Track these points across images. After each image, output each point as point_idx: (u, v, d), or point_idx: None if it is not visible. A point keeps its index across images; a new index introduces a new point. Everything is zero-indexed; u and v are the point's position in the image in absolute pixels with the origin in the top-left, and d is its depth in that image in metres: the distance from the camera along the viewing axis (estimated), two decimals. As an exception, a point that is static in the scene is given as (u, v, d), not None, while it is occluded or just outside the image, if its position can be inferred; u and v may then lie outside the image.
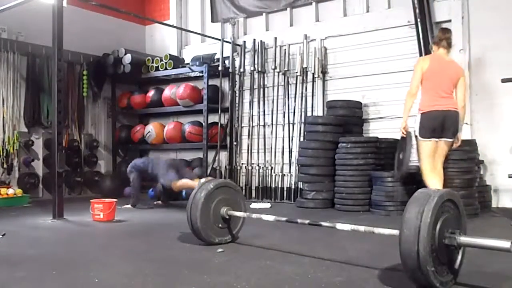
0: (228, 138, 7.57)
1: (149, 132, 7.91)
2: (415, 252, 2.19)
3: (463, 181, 4.99)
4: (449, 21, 6.04)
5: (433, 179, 4.32)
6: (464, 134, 5.81)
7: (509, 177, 5.03)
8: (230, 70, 7.56)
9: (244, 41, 7.54)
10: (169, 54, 7.93)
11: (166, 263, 3.04)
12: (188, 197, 3.66)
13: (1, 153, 6.77)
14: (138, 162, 6.22)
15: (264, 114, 7.26)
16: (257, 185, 7.12)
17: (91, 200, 5.03)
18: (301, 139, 6.72)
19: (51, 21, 5.10)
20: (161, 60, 7.83)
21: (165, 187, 6.06)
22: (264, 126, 7.25)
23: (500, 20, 5.73)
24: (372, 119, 6.55)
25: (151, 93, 8.04)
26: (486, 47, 5.80)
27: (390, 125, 6.37)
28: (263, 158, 7.18)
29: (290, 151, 6.91)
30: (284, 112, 7.04)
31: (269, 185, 7.02)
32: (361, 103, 6.49)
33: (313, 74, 6.84)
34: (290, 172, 6.86)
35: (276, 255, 3.22)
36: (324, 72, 6.88)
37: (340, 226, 2.93)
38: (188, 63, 7.74)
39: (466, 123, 5.84)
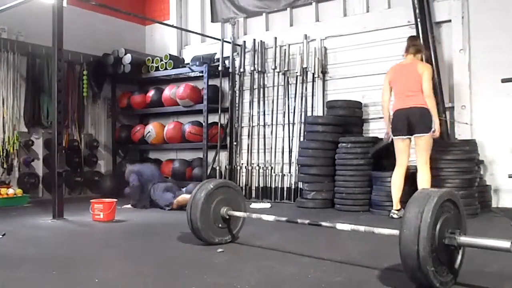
0: (228, 138, 7.57)
1: (149, 132, 7.91)
2: (415, 252, 2.19)
3: (463, 181, 4.99)
4: (449, 21, 6.05)
5: (395, 174, 4.84)
6: (464, 134, 5.83)
7: (509, 177, 5.03)
8: (230, 70, 7.56)
9: (244, 41, 7.54)
10: (169, 54, 7.92)
11: (166, 263, 3.04)
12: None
13: (1, 153, 6.77)
14: (138, 169, 6.24)
15: (264, 114, 7.26)
16: (257, 185, 7.12)
17: (91, 200, 5.03)
18: (301, 139, 6.72)
19: (51, 21, 5.10)
20: (161, 60, 7.83)
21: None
22: (264, 126, 7.25)
23: (500, 21, 5.73)
24: (372, 119, 6.55)
25: (151, 93, 8.03)
26: (486, 47, 5.80)
27: (390, 125, 6.38)
28: (263, 158, 7.18)
29: (290, 151, 6.91)
30: (284, 112, 7.04)
31: (269, 185, 7.02)
32: (361, 103, 6.49)
33: (313, 74, 6.84)
34: (290, 172, 6.86)
35: (276, 255, 3.22)
36: (324, 72, 6.88)
37: (340, 226, 2.93)
38: (188, 63, 7.74)
39: (466, 123, 5.85)
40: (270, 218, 3.41)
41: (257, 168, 7.18)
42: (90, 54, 7.99)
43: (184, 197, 5.73)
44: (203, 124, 7.29)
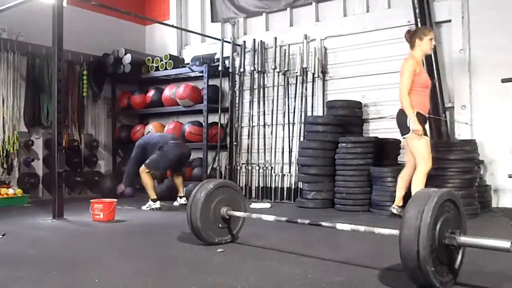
0: (228, 138, 7.57)
1: (149, 132, 7.90)
2: (415, 252, 2.19)
3: (463, 181, 4.99)
4: (449, 21, 6.05)
5: (400, 174, 4.80)
6: (464, 134, 5.83)
7: (509, 177, 5.03)
8: (230, 70, 7.56)
9: (244, 41, 7.54)
10: (169, 54, 7.93)
11: (166, 263, 3.04)
12: None
13: (1, 153, 6.77)
14: (151, 139, 6.20)
15: (264, 114, 7.26)
16: (257, 185, 7.12)
17: (91, 200, 5.03)
18: (301, 139, 6.72)
19: (51, 21, 5.10)
20: (161, 60, 7.83)
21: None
22: (264, 126, 7.25)
23: (500, 20, 5.73)
24: (372, 119, 6.55)
25: (151, 93, 8.03)
26: (486, 47, 5.80)
27: (390, 125, 6.36)
28: (263, 158, 7.18)
29: (290, 151, 6.91)
30: (284, 112, 7.04)
31: (269, 185, 7.02)
32: (361, 103, 6.49)
33: (313, 74, 6.84)
34: (290, 172, 6.86)
35: (276, 255, 3.22)
36: (324, 72, 6.88)
37: (340, 226, 2.93)
38: (188, 63, 7.74)
39: (466, 123, 5.85)
40: (270, 218, 3.41)
41: (257, 168, 7.18)
42: (90, 54, 7.99)
43: (148, 182, 5.85)
44: (203, 124, 7.29)
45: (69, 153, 7.35)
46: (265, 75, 7.34)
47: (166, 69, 7.76)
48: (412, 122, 4.42)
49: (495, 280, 2.58)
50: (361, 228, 2.79)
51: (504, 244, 2.20)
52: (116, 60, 8.00)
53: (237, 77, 7.55)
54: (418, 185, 4.35)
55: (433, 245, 2.23)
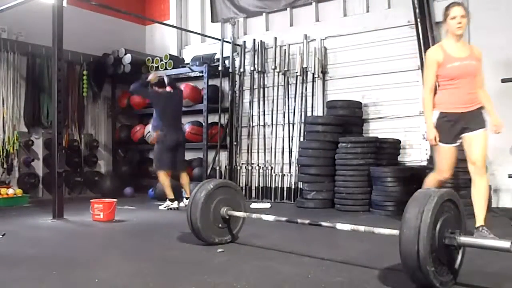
0: (228, 138, 7.57)
1: (149, 132, 7.90)
2: (415, 252, 2.19)
3: (463, 181, 4.98)
4: (449, 21, 6.03)
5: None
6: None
7: (509, 177, 5.03)
8: (230, 70, 7.56)
9: (244, 41, 7.54)
10: (169, 54, 7.93)
11: (166, 263, 3.04)
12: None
13: (1, 153, 6.78)
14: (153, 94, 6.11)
15: (264, 114, 7.26)
16: (257, 185, 7.12)
17: (91, 200, 5.03)
18: (301, 139, 6.72)
19: (51, 21, 5.10)
20: (161, 60, 7.83)
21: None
22: (264, 126, 7.25)
23: (500, 20, 5.73)
24: (372, 119, 6.55)
25: (151, 93, 8.03)
26: (486, 47, 5.77)
27: (390, 125, 6.38)
28: (263, 158, 7.18)
29: (290, 151, 6.91)
30: (284, 112, 7.04)
31: (269, 185, 7.02)
32: (361, 103, 6.49)
33: (313, 74, 6.84)
34: (290, 172, 6.86)
35: (276, 255, 3.22)
36: (324, 72, 6.88)
37: (340, 226, 2.93)
38: (188, 63, 7.74)
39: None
40: (270, 218, 3.41)
41: (257, 168, 7.18)
42: (90, 54, 8.00)
43: (164, 179, 5.81)
44: (203, 124, 7.29)
45: (69, 153, 7.35)
46: (265, 75, 7.34)
47: (166, 69, 7.76)
48: (426, 127, 3.80)
49: (495, 280, 2.58)
50: (361, 228, 2.79)
51: (504, 244, 2.20)
52: (116, 60, 8.00)
53: (237, 77, 7.55)
54: (427, 183, 3.88)
55: (433, 245, 2.23)
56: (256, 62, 7.33)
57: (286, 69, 7.04)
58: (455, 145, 3.71)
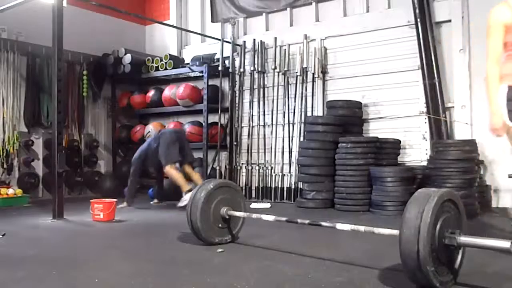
0: (228, 138, 7.57)
1: (149, 132, 7.90)
2: (415, 252, 2.19)
3: (463, 181, 4.99)
4: (449, 21, 6.04)
5: None
6: (464, 134, 5.83)
7: (509, 177, 5.02)
8: (230, 70, 7.56)
9: (244, 41, 7.54)
10: (169, 54, 7.93)
11: (166, 263, 3.04)
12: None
13: (1, 153, 6.77)
14: (143, 148, 6.22)
15: (264, 114, 7.25)
16: (257, 185, 7.12)
17: (91, 200, 5.03)
18: (301, 139, 6.72)
19: (51, 21, 5.10)
20: (161, 60, 7.83)
21: (161, 187, 6.07)
22: (264, 126, 7.24)
23: (500, 20, 5.72)
24: (372, 119, 6.55)
25: (151, 93, 8.03)
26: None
27: (390, 125, 6.38)
28: (263, 158, 7.17)
29: (290, 151, 6.91)
30: (284, 112, 7.04)
31: (269, 185, 7.01)
32: (361, 103, 6.48)
33: (313, 74, 6.83)
34: (290, 172, 6.86)
35: (276, 255, 3.22)
36: (324, 72, 6.87)
37: (340, 226, 2.93)
38: (188, 63, 7.74)
39: (466, 123, 5.85)
40: (270, 218, 3.41)
41: (257, 168, 7.18)
42: (90, 54, 8.00)
43: (174, 174, 5.74)
44: (203, 124, 7.29)
45: (69, 153, 7.35)
46: (265, 75, 7.34)
47: (166, 69, 7.76)
48: (490, 112, 2.94)
49: (495, 280, 2.58)
50: (361, 228, 2.79)
51: (504, 244, 2.20)
52: (116, 60, 8.00)
53: (237, 77, 7.55)
54: None
55: (433, 245, 2.23)
56: (256, 62, 7.33)
57: (286, 69, 7.03)
58: None
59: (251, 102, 7.37)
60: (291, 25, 7.42)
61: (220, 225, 3.51)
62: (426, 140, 6.10)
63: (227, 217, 3.52)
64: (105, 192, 7.27)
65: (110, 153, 8.47)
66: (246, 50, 7.52)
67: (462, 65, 5.93)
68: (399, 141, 6.07)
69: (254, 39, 7.38)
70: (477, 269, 2.73)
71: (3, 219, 5.12)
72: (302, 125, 6.77)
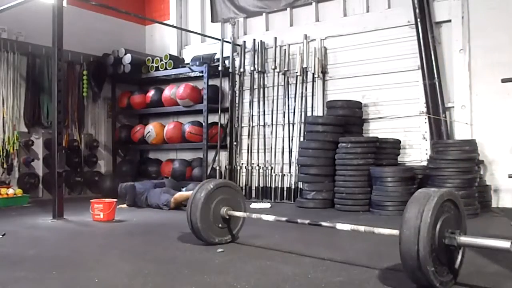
0: (228, 138, 7.57)
1: (149, 132, 7.91)
2: (415, 252, 2.19)
3: (463, 181, 4.99)
4: (449, 21, 6.05)
5: None
6: (464, 134, 5.84)
7: (509, 177, 5.03)
8: (230, 70, 7.56)
9: (244, 41, 7.54)
10: (169, 54, 7.93)
11: (166, 263, 3.04)
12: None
13: (1, 153, 6.77)
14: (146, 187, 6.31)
15: (264, 114, 7.26)
16: (257, 185, 7.12)
17: (91, 200, 5.03)
18: (301, 139, 6.72)
19: (51, 21, 5.10)
20: (161, 60, 7.83)
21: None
22: (264, 126, 7.25)
23: (500, 20, 5.73)
24: (372, 119, 6.55)
25: (151, 93, 8.04)
26: (486, 47, 5.80)
27: (390, 125, 6.38)
28: (263, 158, 7.18)
29: (290, 151, 6.91)
30: (284, 112, 7.04)
31: (269, 185, 7.02)
32: (361, 103, 6.49)
33: (313, 74, 6.84)
34: (290, 172, 6.86)
35: (276, 255, 3.22)
36: (324, 72, 6.88)
37: (340, 226, 2.93)
38: (188, 63, 7.74)
39: (466, 123, 5.85)
40: (270, 218, 3.41)
41: (257, 168, 7.18)
42: (90, 54, 8.00)
43: (181, 194, 5.75)
44: (203, 124, 7.29)
45: (69, 153, 7.36)
46: (265, 75, 7.34)
47: (166, 69, 7.76)
48: None
49: (495, 280, 2.57)
50: (361, 228, 2.79)
51: (504, 244, 2.20)
52: (116, 60, 8.00)
53: (237, 77, 7.55)
54: None
55: (433, 245, 2.23)
56: (256, 62, 7.33)
57: (286, 69, 7.04)
58: None
59: (251, 102, 7.37)
60: (291, 25, 7.42)
61: (220, 225, 3.51)
62: (426, 140, 6.10)
63: (227, 217, 3.52)
64: (105, 192, 7.27)
65: (110, 153, 8.47)
66: (246, 50, 7.53)
67: (462, 65, 5.93)
68: (399, 141, 6.08)
69: (254, 39, 7.38)
70: (477, 269, 2.73)
71: (3, 219, 5.12)
72: (302, 125, 6.78)
